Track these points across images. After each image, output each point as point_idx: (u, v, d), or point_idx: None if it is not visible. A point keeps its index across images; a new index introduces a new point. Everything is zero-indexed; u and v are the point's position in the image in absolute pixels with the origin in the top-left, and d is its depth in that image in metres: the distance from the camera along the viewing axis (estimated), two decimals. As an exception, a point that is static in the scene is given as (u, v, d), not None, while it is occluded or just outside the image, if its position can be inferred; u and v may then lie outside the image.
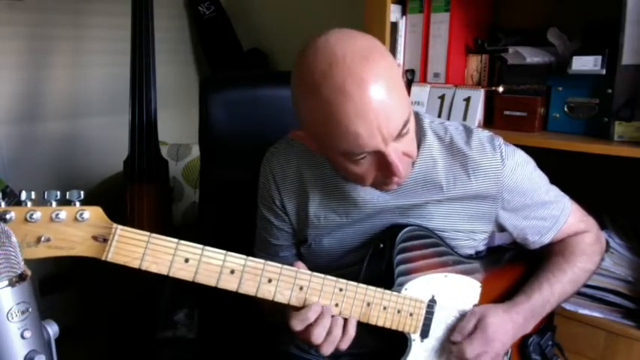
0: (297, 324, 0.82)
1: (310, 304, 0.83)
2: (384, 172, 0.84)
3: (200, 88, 1.29)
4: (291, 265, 0.85)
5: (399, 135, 0.80)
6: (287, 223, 1.03)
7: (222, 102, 1.28)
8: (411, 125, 0.84)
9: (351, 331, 0.85)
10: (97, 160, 2.16)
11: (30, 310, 0.56)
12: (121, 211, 1.80)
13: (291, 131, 0.90)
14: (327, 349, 0.83)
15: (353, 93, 0.75)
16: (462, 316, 0.94)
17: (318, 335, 0.82)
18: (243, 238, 1.10)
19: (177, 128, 2.26)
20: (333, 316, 0.83)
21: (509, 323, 0.93)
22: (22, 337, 0.55)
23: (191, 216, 2.02)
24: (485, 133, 0.98)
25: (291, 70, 0.84)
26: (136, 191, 1.80)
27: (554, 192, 1.02)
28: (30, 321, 0.56)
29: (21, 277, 0.56)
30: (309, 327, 0.82)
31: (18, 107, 1.99)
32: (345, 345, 0.84)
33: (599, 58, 1.29)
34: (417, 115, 0.98)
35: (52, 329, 0.61)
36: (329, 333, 0.83)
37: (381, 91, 0.76)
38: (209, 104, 1.26)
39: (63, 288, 2.07)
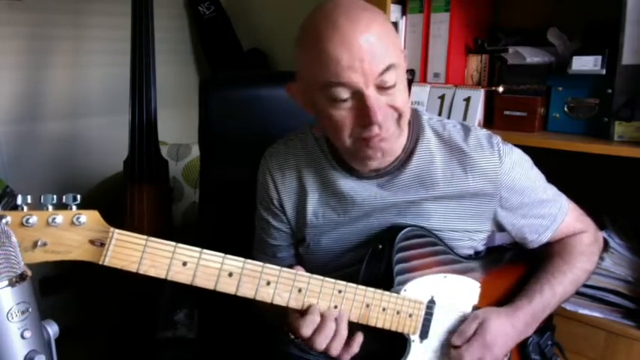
0: (307, 330, 0.82)
1: (311, 308, 0.83)
2: (362, 120, 0.82)
3: (200, 88, 1.29)
4: (290, 266, 0.85)
5: (382, 82, 0.81)
6: (285, 223, 1.03)
7: (222, 102, 1.28)
8: (400, 79, 0.84)
9: (358, 339, 0.85)
10: (97, 160, 2.16)
11: (30, 310, 0.56)
12: (120, 212, 1.80)
13: (288, 84, 0.91)
14: (335, 350, 0.83)
15: (343, 25, 0.79)
16: (462, 317, 0.94)
17: (320, 342, 0.82)
18: (244, 238, 1.10)
19: (177, 128, 2.26)
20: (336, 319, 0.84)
21: (510, 328, 0.93)
22: (22, 337, 0.55)
23: (191, 216, 2.02)
24: (483, 132, 0.98)
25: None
26: (136, 191, 1.80)
27: (552, 191, 1.02)
28: (30, 321, 0.56)
29: (21, 277, 0.57)
30: (316, 331, 0.82)
31: (18, 107, 1.99)
32: (353, 350, 0.85)
33: (599, 58, 1.29)
34: (415, 112, 0.98)
35: (52, 329, 0.61)
36: (335, 334, 0.83)
37: (371, 33, 0.80)
38: (209, 104, 1.26)
39: (63, 288, 2.06)
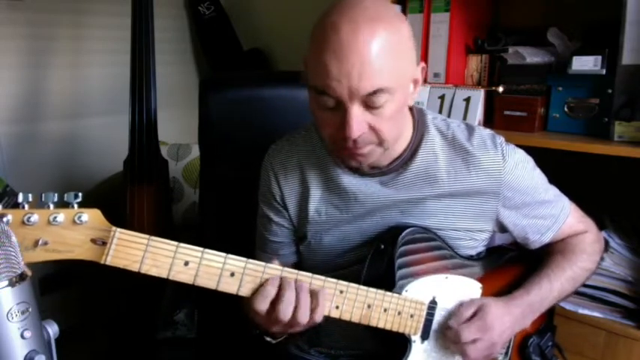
0: (261, 303, 0.79)
1: (268, 279, 0.80)
2: (340, 130, 0.82)
3: (200, 88, 1.29)
4: (291, 264, 0.85)
5: (369, 101, 0.80)
6: (286, 220, 1.03)
7: (222, 102, 1.28)
8: (392, 104, 0.82)
9: (321, 300, 0.81)
10: (97, 160, 2.16)
11: (30, 310, 0.56)
12: (121, 212, 1.80)
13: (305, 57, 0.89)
14: (301, 320, 0.80)
15: (343, 33, 0.77)
16: (461, 305, 0.94)
17: (284, 311, 0.79)
18: (244, 238, 1.10)
19: (177, 128, 2.26)
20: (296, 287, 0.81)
21: (508, 316, 0.93)
22: (22, 337, 0.55)
23: (191, 216, 2.02)
24: (487, 131, 0.98)
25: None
26: (136, 191, 1.80)
27: (554, 191, 1.02)
28: (30, 321, 0.56)
29: (21, 277, 0.56)
30: (273, 304, 0.79)
31: (18, 107, 1.99)
32: (318, 316, 0.81)
33: (599, 58, 1.29)
34: (420, 111, 0.99)
35: (52, 329, 0.61)
36: (297, 306, 0.80)
37: (370, 48, 0.77)
38: (209, 104, 1.26)
39: (63, 287, 2.06)
